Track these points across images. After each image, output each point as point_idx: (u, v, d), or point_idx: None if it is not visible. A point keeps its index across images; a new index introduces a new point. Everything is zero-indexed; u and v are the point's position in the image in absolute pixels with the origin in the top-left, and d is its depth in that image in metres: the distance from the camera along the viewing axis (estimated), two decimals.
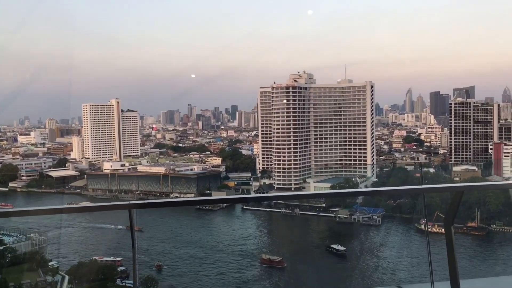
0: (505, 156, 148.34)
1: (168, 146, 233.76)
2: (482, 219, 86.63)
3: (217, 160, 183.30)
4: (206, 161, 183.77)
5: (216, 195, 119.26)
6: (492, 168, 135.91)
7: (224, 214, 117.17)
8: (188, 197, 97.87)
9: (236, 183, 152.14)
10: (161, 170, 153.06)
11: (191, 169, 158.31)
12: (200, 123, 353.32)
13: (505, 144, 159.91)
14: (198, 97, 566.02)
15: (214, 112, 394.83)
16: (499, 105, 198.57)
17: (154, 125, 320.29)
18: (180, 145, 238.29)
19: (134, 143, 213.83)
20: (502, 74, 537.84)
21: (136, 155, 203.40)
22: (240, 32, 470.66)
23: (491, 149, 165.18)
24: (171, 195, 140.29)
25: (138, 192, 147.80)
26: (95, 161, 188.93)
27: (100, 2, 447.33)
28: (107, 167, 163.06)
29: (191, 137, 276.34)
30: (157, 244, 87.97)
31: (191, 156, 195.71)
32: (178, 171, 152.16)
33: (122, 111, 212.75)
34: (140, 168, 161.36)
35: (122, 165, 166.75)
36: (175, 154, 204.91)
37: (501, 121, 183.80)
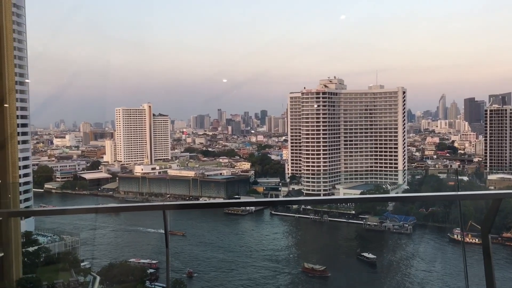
0: None
1: (198, 150, 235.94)
2: None
3: (246, 165, 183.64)
4: (235, 166, 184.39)
5: (245, 199, 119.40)
6: None
7: (252, 219, 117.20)
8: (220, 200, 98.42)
9: (264, 188, 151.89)
10: (191, 174, 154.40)
11: (220, 174, 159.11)
12: (229, 127, 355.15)
13: None
14: (228, 102, 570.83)
15: (244, 117, 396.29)
16: None
17: (184, 130, 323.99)
18: (209, 149, 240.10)
19: (165, 147, 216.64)
20: None
21: (166, 159, 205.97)
22: (270, 37, 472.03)
23: None
24: (201, 199, 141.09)
25: (169, 195, 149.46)
26: (126, 164, 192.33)
27: (133, 10, 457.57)
28: (138, 170, 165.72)
29: (220, 141, 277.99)
30: (189, 248, 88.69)
31: (221, 160, 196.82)
32: (207, 175, 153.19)
33: (154, 115, 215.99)
34: (170, 172, 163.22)
35: (153, 169, 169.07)
36: (205, 159, 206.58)
37: None
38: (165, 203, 6.00)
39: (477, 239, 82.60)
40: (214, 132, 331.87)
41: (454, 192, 4.85)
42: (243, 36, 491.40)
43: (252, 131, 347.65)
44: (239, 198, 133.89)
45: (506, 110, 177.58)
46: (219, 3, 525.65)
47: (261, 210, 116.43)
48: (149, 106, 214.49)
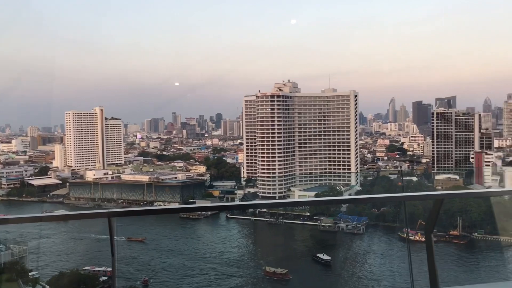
0: (486, 165, 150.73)
1: (152, 154, 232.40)
2: (464, 228, 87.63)
3: (202, 169, 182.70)
4: (191, 170, 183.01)
5: (200, 204, 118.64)
6: (474, 176, 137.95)
7: (208, 222, 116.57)
8: (171, 206, 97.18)
9: (220, 191, 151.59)
10: (145, 178, 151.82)
11: (175, 178, 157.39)
12: (184, 131, 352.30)
13: (486, 154, 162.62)
14: (183, 105, 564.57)
15: (199, 121, 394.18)
16: (480, 115, 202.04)
17: (138, 133, 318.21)
18: (164, 153, 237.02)
19: (118, 151, 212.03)
20: (483, 85, 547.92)
21: (119, 163, 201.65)
22: (225, 40, 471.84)
23: (472, 158, 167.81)
24: (155, 204, 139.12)
25: (122, 201, 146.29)
26: (77, 169, 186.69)
27: (83, 10, 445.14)
28: (90, 175, 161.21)
29: (175, 145, 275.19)
30: (146, 254, 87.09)
31: (176, 164, 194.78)
32: (162, 180, 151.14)
33: (106, 119, 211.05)
34: (123, 177, 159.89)
35: (105, 174, 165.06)
36: (159, 163, 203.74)
37: (482, 131, 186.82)
38: (110, 210, 5.78)
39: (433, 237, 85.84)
40: (169, 135, 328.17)
41: (400, 193, 5.06)
42: (199, 39, 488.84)
43: (207, 135, 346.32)
44: (194, 202, 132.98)
45: (451, 113, 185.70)
46: (176, 6, 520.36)
47: (217, 213, 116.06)
48: (101, 110, 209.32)
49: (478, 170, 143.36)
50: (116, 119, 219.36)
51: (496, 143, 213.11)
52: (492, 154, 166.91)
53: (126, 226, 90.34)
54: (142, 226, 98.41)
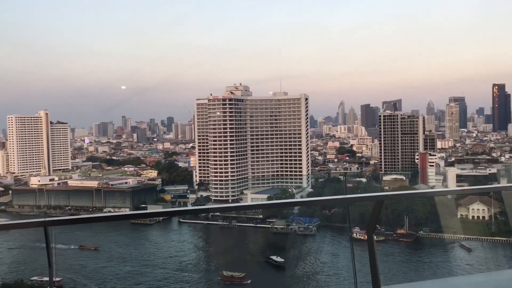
0: (430, 165, 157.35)
1: (101, 159, 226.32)
2: (410, 226, 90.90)
3: (153, 173, 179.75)
4: (142, 174, 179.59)
5: (152, 209, 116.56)
6: (419, 177, 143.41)
7: (160, 228, 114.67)
8: (120, 212, 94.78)
9: (172, 196, 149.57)
10: (93, 184, 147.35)
11: (126, 183, 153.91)
12: (135, 135, 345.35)
13: (430, 154, 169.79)
14: (133, 109, 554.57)
15: (150, 124, 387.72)
16: (423, 118, 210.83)
17: (86, 138, 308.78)
18: (114, 158, 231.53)
19: (65, 156, 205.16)
20: (426, 88, 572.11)
21: (66, 169, 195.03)
22: (176, 43, 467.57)
23: (417, 159, 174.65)
24: (104, 210, 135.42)
25: (69, 207, 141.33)
26: (21, 176, 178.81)
27: (27, 11, 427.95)
28: (34, 182, 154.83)
29: (125, 149, 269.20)
30: (97, 263, 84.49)
31: (126, 169, 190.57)
32: (112, 185, 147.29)
33: (51, 123, 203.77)
34: (71, 183, 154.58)
35: (51, 180, 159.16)
36: (109, 168, 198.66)
37: (425, 133, 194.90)
38: (47, 218, 5.34)
39: (375, 237, 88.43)
40: (119, 140, 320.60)
41: (343, 195, 5.25)
42: (149, 41, 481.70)
43: (158, 139, 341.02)
44: (146, 208, 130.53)
45: (397, 115, 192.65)
46: (124, 7, 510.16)
47: (169, 218, 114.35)
48: (46, 113, 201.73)
49: (423, 171, 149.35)
50: (62, 123, 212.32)
51: (439, 144, 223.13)
52: (435, 155, 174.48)
53: (77, 234, 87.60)
54: (94, 233, 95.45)
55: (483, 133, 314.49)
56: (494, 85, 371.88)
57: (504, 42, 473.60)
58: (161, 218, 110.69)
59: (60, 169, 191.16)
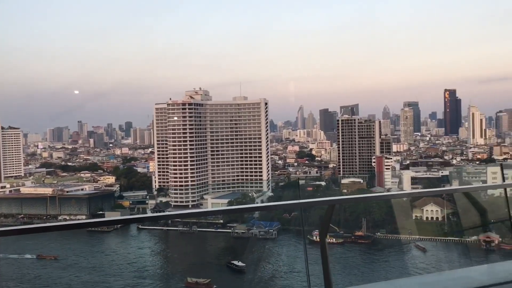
0: (386, 168, 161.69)
1: (56, 165, 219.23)
2: (368, 228, 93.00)
3: (111, 179, 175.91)
4: (99, 180, 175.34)
5: (110, 216, 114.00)
6: (375, 179, 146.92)
7: (119, 235, 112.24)
8: (76, 220, 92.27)
9: (131, 202, 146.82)
10: (47, 191, 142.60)
11: (82, 189, 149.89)
12: (91, 140, 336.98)
13: (386, 158, 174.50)
14: (89, 113, 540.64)
15: (107, 129, 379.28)
16: (380, 122, 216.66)
17: (39, 143, 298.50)
18: (69, 164, 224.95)
19: (17, 162, 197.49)
20: (382, 93, 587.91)
21: (19, 175, 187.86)
22: (134, 47, 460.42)
23: (374, 162, 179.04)
24: (60, 218, 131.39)
25: (22, 216, 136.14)
26: None
27: None
28: None
29: (81, 155, 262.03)
30: (54, 273, 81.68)
31: (82, 175, 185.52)
32: (67, 192, 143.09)
33: (2, 128, 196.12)
34: (23, 190, 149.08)
35: (2, 187, 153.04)
36: (64, 174, 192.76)
37: (382, 137, 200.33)
38: None
39: (334, 239, 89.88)
40: (74, 145, 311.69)
41: (297, 200, 5.38)
42: (106, 45, 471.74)
43: (114, 144, 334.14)
44: (103, 215, 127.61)
45: (354, 120, 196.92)
46: (82, 11, 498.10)
47: (127, 225, 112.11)
48: None
49: (379, 174, 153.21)
50: (14, 128, 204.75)
51: (394, 147, 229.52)
52: (391, 158, 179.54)
53: (34, 243, 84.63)
54: (53, 241, 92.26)
55: (436, 137, 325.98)
56: (445, 90, 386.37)
57: (454, 49, 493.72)
58: (119, 225, 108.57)
59: (12, 176, 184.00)
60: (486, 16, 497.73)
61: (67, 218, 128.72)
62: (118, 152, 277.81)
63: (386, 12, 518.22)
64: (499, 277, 5.99)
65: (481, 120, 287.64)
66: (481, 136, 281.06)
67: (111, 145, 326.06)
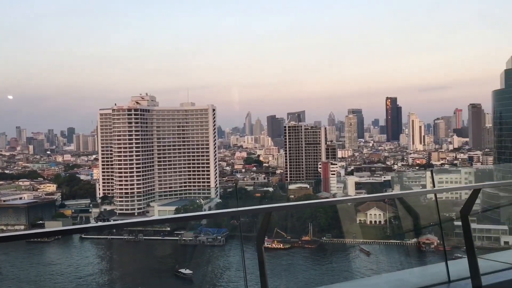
0: (331, 174, 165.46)
1: None
2: (314, 233, 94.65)
3: (52, 187, 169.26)
4: (39, 189, 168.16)
5: (50, 226, 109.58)
6: (321, 185, 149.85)
7: (60, 245, 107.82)
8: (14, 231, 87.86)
9: (73, 210, 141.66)
10: None
11: (20, 198, 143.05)
12: (31, 147, 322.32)
13: (331, 163, 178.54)
14: (29, 119, 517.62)
15: (48, 135, 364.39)
16: (325, 128, 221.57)
17: None
18: (6, 171, 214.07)
19: None
20: (328, 100, 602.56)
21: None
22: (77, 51, 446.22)
23: (320, 168, 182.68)
24: None
25: None
26: None
27: None
28: None
29: (20, 162, 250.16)
30: None
31: (21, 183, 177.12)
32: (4, 201, 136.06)
33: None
34: None
35: None
36: (1, 182, 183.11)
37: (327, 143, 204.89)
38: None
39: (281, 245, 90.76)
40: (12, 152, 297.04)
41: (235, 208, 5.45)
42: (47, 48, 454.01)
43: (55, 151, 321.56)
44: (43, 225, 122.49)
45: (301, 126, 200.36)
46: (21, 13, 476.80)
47: (69, 234, 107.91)
48: None
49: (325, 179, 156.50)
50: None
51: (339, 153, 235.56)
52: (336, 164, 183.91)
53: None
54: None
55: (378, 143, 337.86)
56: (387, 98, 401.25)
57: (396, 58, 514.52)
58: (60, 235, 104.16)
59: None
60: (427, 26, 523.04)
61: (4, 228, 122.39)
62: (59, 159, 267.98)
63: (332, 20, 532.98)
64: (429, 279, 6.34)
65: (420, 127, 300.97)
66: (420, 143, 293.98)
67: (48, 152, 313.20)
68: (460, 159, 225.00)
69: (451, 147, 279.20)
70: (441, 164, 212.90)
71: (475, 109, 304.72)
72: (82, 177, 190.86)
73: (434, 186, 6.87)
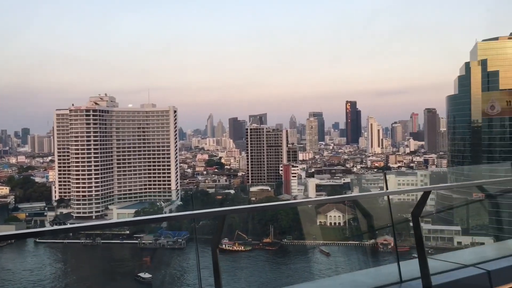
0: (292, 176, 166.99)
1: None
2: (275, 235, 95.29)
3: (4, 190, 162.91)
4: None
5: (3, 230, 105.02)
6: (283, 187, 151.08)
7: (13, 250, 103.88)
8: None
9: (27, 214, 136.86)
10: None
11: None
12: None
13: (292, 166, 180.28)
14: None
15: (1, 136, 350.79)
16: (287, 131, 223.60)
17: None
18: None
19: None
20: (289, 103, 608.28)
21: None
22: (33, 49, 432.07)
23: (281, 170, 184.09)
24: None
25: None
26: None
27: None
28: None
29: None
30: None
31: None
32: None
33: None
34: None
35: None
36: None
37: (289, 145, 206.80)
38: None
39: (242, 247, 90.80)
40: None
41: (191, 211, 5.42)
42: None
43: (9, 152, 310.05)
44: None
45: (263, 129, 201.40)
46: None
47: (23, 239, 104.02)
48: None
49: (287, 181, 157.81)
50: None
51: (300, 156, 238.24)
52: (297, 166, 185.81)
53: None
54: None
55: (338, 146, 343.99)
56: (347, 102, 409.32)
57: (356, 63, 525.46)
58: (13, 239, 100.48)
59: None
60: (386, 33, 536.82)
61: None
62: (13, 160, 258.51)
63: (294, 25, 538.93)
64: (382, 279, 6.50)
65: (378, 130, 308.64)
66: (379, 146, 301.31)
67: (8, 152, 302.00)
68: (416, 162, 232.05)
69: (407, 150, 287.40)
70: (398, 167, 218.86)
71: (430, 114, 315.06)
72: (37, 179, 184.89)
73: (387, 188, 7.07)
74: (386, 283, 6.36)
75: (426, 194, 6.35)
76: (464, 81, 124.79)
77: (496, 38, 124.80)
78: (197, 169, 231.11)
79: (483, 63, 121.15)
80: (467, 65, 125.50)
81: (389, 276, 6.52)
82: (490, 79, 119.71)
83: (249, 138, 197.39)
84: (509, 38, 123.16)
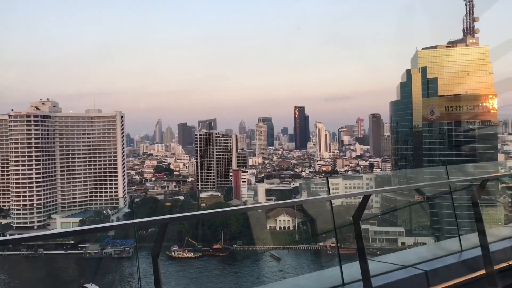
0: (242, 182, 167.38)
1: None
2: (225, 241, 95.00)
3: None
4: None
5: None
6: (233, 193, 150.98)
7: None
8: None
9: None
10: None
11: None
12: None
13: (242, 171, 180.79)
14: None
15: None
16: (236, 136, 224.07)
17: None
18: None
19: None
20: (239, 109, 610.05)
21: None
22: None
23: (231, 175, 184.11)
24: None
25: None
26: None
27: None
28: None
29: None
30: None
31: None
32: None
33: None
34: None
35: None
36: None
37: (238, 151, 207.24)
38: None
39: (192, 254, 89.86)
40: None
41: (131, 220, 5.35)
42: None
43: None
44: None
45: (212, 134, 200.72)
46: None
47: None
48: None
49: (236, 187, 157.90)
50: None
51: (250, 161, 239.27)
52: (247, 172, 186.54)
53: None
54: None
55: (287, 151, 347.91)
56: (295, 107, 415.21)
57: (303, 69, 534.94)
58: None
59: None
60: (330, 41, 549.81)
61: None
62: None
63: (240, 31, 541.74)
64: (325, 282, 6.66)
65: (326, 135, 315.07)
66: (326, 150, 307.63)
67: None
68: (362, 166, 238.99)
69: (354, 154, 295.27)
70: (345, 171, 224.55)
71: (375, 119, 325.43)
72: None
73: (329, 193, 7.27)
74: (328, 286, 6.50)
75: (366, 198, 6.55)
76: (405, 87, 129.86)
77: (435, 47, 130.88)
78: (145, 175, 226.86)
79: (423, 70, 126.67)
80: (408, 72, 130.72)
81: (331, 279, 6.66)
82: (429, 85, 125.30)
83: (198, 143, 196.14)
84: (447, 47, 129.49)
